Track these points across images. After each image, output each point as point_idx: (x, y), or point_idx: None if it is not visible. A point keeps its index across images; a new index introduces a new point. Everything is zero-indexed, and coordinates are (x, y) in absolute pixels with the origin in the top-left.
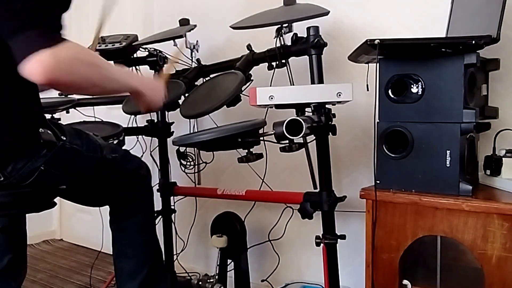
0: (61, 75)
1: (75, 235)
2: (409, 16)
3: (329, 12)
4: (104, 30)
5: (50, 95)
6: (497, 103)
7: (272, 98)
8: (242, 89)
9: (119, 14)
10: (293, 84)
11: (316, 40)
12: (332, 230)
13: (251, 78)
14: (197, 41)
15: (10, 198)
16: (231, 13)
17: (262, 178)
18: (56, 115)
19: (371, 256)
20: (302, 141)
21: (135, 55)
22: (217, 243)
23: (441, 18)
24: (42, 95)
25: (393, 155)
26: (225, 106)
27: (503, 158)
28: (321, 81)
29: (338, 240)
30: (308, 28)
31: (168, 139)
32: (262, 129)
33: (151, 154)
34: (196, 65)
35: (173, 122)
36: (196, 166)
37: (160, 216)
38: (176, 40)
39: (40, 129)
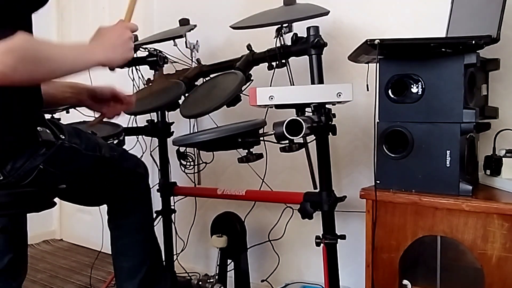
0: (6, 72)
1: (75, 235)
2: (409, 16)
3: (329, 12)
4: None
5: None
6: (497, 103)
7: (272, 98)
8: (242, 89)
9: (119, 14)
10: (293, 84)
11: (316, 40)
12: (332, 230)
13: (251, 78)
14: (197, 41)
15: (10, 198)
16: (231, 13)
17: (262, 178)
18: (56, 115)
19: (371, 256)
20: (302, 141)
21: (135, 55)
22: (217, 243)
23: (441, 18)
24: None
25: (393, 155)
26: (225, 106)
27: (503, 158)
28: (321, 81)
29: (338, 240)
30: (308, 28)
31: (168, 139)
32: (262, 129)
33: (151, 154)
34: (196, 65)
35: (173, 122)
36: (196, 166)
37: (160, 216)
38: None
39: (39, 128)
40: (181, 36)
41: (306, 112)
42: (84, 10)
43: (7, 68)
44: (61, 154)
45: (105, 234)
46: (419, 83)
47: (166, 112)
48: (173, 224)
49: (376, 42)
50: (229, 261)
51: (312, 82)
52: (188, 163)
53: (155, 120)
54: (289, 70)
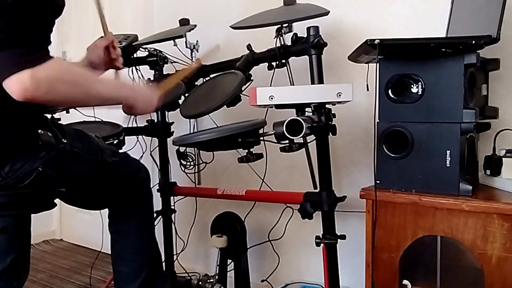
0: (39, 95)
1: (75, 235)
2: (409, 16)
3: (329, 12)
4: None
5: None
6: (497, 103)
7: (272, 98)
8: (242, 89)
9: (119, 14)
10: (293, 84)
11: (316, 40)
12: (332, 230)
13: (251, 78)
14: (197, 41)
15: (9, 199)
16: (231, 13)
17: (262, 178)
18: (56, 115)
19: (371, 256)
20: (302, 141)
21: (135, 55)
22: (217, 243)
23: (441, 18)
24: None
25: (393, 155)
26: (225, 106)
27: (503, 158)
28: (321, 81)
29: (338, 240)
30: (308, 28)
31: (168, 139)
32: (262, 129)
33: (151, 154)
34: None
35: (173, 122)
36: (196, 166)
37: (160, 216)
38: (176, 40)
39: (40, 130)
40: (181, 36)
41: (306, 112)
42: (84, 10)
43: (41, 90)
44: (61, 158)
45: (105, 234)
46: (419, 83)
47: (166, 112)
48: (173, 224)
49: (376, 42)
50: (229, 261)
51: (312, 82)
52: (188, 163)
53: (155, 120)
54: (289, 70)
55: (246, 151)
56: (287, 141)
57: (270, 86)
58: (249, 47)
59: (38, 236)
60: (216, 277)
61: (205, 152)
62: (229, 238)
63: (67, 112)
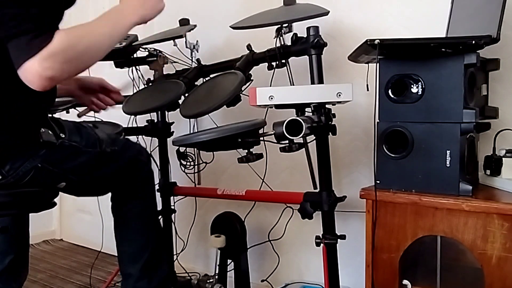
0: (54, 75)
1: (75, 235)
2: (409, 16)
3: (329, 12)
4: None
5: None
6: (497, 103)
7: (272, 98)
8: (242, 89)
9: None
10: (293, 84)
11: (316, 40)
12: (332, 230)
13: (251, 78)
14: (197, 41)
15: (9, 198)
16: (231, 13)
17: (262, 178)
18: (56, 115)
19: (371, 256)
20: (302, 141)
21: (135, 55)
22: (215, 244)
23: (441, 18)
24: None
25: (393, 155)
26: (225, 106)
27: (503, 158)
28: (321, 81)
29: (338, 240)
30: (308, 28)
31: (168, 139)
32: (262, 129)
33: (151, 154)
34: (196, 65)
35: (173, 122)
36: (196, 166)
37: (160, 216)
38: (176, 40)
39: (42, 129)
40: (181, 36)
41: (306, 112)
42: (84, 10)
43: (55, 71)
44: (60, 153)
45: (105, 234)
46: (419, 83)
47: (166, 112)
48: (173, 224)
49: (376, 42)
50: (229, 261)
51: (312, 82)
52: (188, 163)
53: (155, 120)
54: (289, 70)
55: (246, 151)
56: (287, 141)
57: (270, 86)
58: (249, 47)
59: (38, 236)
60: (216, 277)
61: (205, 152)
62: (229, 238)
63: (67, 112)
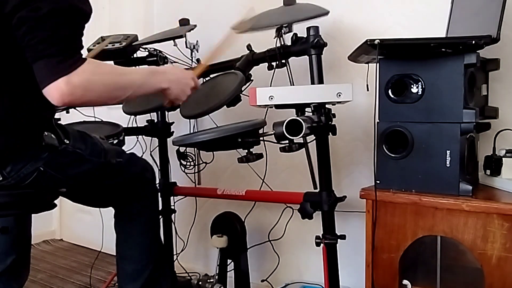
0: (75, 99)
1: (75, 235)
2: (409, 16)
3: (329, 12)
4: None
5: None
6: (497, 103)
7: (272, 98)
8: (242, 89)
9: (119, 14)
10: (293, 84)
11: (316, 40)
12: (332, 230)
13: (251, 78)
14: (197, 41)
15: (9, 199)
16: (231, 13)
17: (262, 178)
18: (56, 115)
19: (371, 256)
20: (302, 141)
21: (135, 55)
22: (217, 243)
23: (441, 18)
24: None
25: (393, 155)
26: (225, 106)
27: (503, 158)
28: (321, 81)
29: (338, 240)
30: (308, 28)
31: (168, 139)
32: (262, 129)
33: (151, 154)
34: (196, 65)
35: (173, 122)
36: (196, 166)
37: (160, 216)
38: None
39: (45, 132)
40: (181, 36)
41: (306, 112)
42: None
43: (76, 97)
44: (63, 158)
45: (105, 234)
46: (419, 83)
47: (166, 112)
48: (173, 224)
49: (376, 42)
50: (229, 261)
51: (312, 82)
52: (188, 163)
53: (155, 120)
54: (289, 70)
55: (246, 151)
56: (287, 141)
57: (270, 86)
58: (249, 47)
59: (38, 236)
60: (216, 277)
61: (205, 152)
62: (229, 238)
63: (67, 112)
